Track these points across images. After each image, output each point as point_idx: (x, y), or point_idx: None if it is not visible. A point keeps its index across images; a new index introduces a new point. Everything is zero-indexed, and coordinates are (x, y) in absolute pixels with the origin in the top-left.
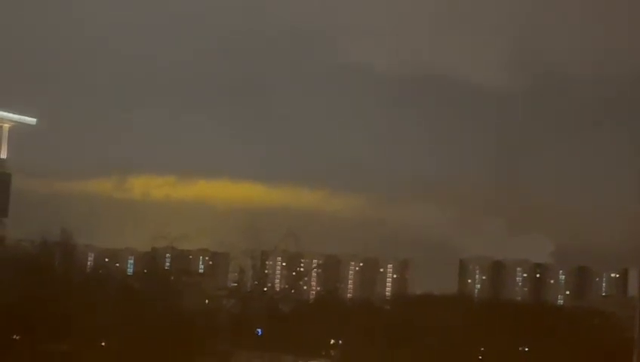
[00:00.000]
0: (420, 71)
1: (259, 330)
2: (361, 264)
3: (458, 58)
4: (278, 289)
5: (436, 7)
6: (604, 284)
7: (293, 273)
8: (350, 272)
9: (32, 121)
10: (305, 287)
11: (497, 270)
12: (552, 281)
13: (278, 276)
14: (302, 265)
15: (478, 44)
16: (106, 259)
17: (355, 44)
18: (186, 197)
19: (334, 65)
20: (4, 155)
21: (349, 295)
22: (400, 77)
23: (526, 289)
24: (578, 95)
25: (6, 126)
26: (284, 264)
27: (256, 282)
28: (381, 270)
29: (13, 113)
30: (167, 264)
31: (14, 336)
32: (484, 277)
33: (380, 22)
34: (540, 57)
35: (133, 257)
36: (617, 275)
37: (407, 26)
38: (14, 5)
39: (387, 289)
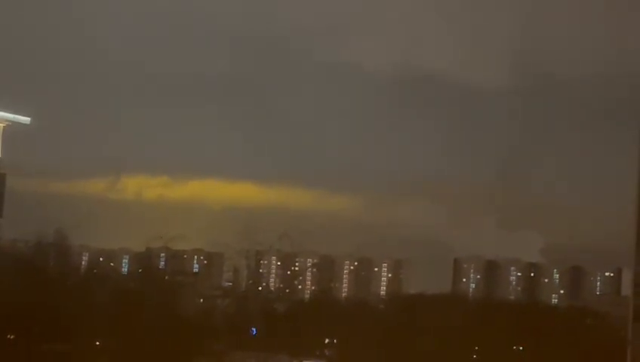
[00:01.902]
0: (419, 70)
1: (253, 330)
2: (356, 263)
3: (457, 58)
4: (272, 289)
5: (436, 5)
6: (598, 283)
7: (288, 272)
8: (345, 272)
9: (25, 120)
10: (299, 287)
11: (491, 269)
12: (546, 280)
13: (273, 276)
14: (296, 264)
15: (476, 43)
16: (101, 259)
17: (352, 44)
18: (181, 197)
19: (331, 65)
20: None
21: (343, 294)
22: (397, 76)
23: (520, 288)
24: (577, 95)
25: (0, 125)
26: (278, 263)
27: (250, 282)
28: (376, 269)
29: (7, 112)
30: (162, 264)
31: (9, 336)
32: (478, 277)
33: (379, 21)
34: (538, 57)
35: (127, 257)
36: (611, 274)
37: (407, 25)
38: (8, 4)
39: (382, 288)
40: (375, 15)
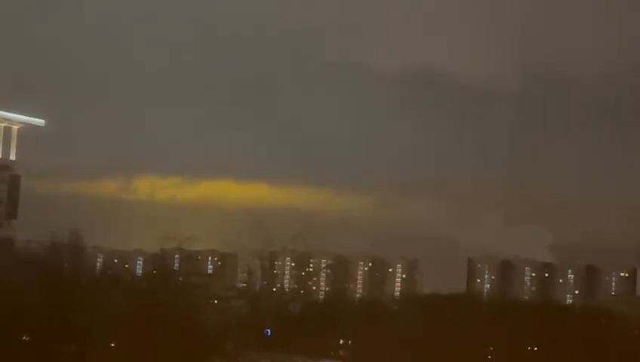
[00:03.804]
0: (428, 70)
1: (268, 330)
2: (370, 264)
3: (460, 58)
4: (287, 290)
5: (437, 5)
6: (613, 283)
7: (302, 273)
8: (359, 272)
9: (40, 122)
10: (314, 287)
11: (506, 269)
12: (560, 281)
13: (287, 276)
14: (311, 265)
15: (477, 43)
16: (115, 260)
17: (362, 44)
18: (193, 198)
19: (338, 65)
20: (13, 157)
21: (357, 295)
22: (406, 77)
23: (534, 288)
24: (589, 94)
25: (15, 128)
26: (293, 264)
27: (265, 282)
28: (390, 270)
29: (22, 114)
30: (176, 265)
31: (24, 337)
32: (492, 277)
33: (380, 22)
34: (541, 56)
35: (142, 258)
36: (626, 274)
37: (408, 25)
38: (22, 7)
39: (396, 288)
40: (383, 16)
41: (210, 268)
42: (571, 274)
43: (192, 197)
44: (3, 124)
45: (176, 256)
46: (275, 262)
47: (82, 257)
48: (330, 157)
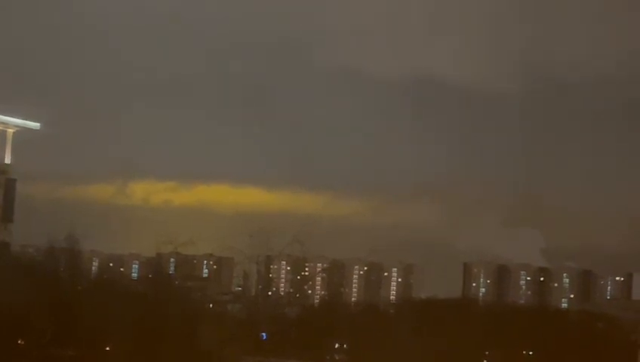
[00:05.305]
0: (427, 74)
1: (263, 334)
2: (366, 268)
3: (459, 61)
4: (282, 294)
5: (438, 7)
6: (608, 288)
7: (298, 277)
8: (355, 276)
9: (35, 125)
10: (309, 291)
11: (501, 274)
12: (556, 285)
13: (283, 280)
14: (306, 269)
15: (477, 46)
16: (111, 264)
17: (362, 48)
18: (190, 202)
19: (335, 69)
20: (8, 160)
21: (353, 299)
22: (405, 80)
23: (530, 292)
24: (588, 97)
25: (10, 131)
26: (288, 268)
27: (260, 286)
28: (385, 274)
29: (17, 118)
30: (172, 269)
31: (19, 341)
32: (488, 281)
33: (387, 26)
34: (543, 59)
35: (137, 262)
36: (622, 279)
37: (407, 27)
38: (17, 10)
39: (392, 292)
40: (383, 20)
41: (205, 272)
42: (567, 278)
43: (188, 201)
44: None
45: (172, 260)
46: (271, 266)
47: (78, 261)
48: (327, 162)
